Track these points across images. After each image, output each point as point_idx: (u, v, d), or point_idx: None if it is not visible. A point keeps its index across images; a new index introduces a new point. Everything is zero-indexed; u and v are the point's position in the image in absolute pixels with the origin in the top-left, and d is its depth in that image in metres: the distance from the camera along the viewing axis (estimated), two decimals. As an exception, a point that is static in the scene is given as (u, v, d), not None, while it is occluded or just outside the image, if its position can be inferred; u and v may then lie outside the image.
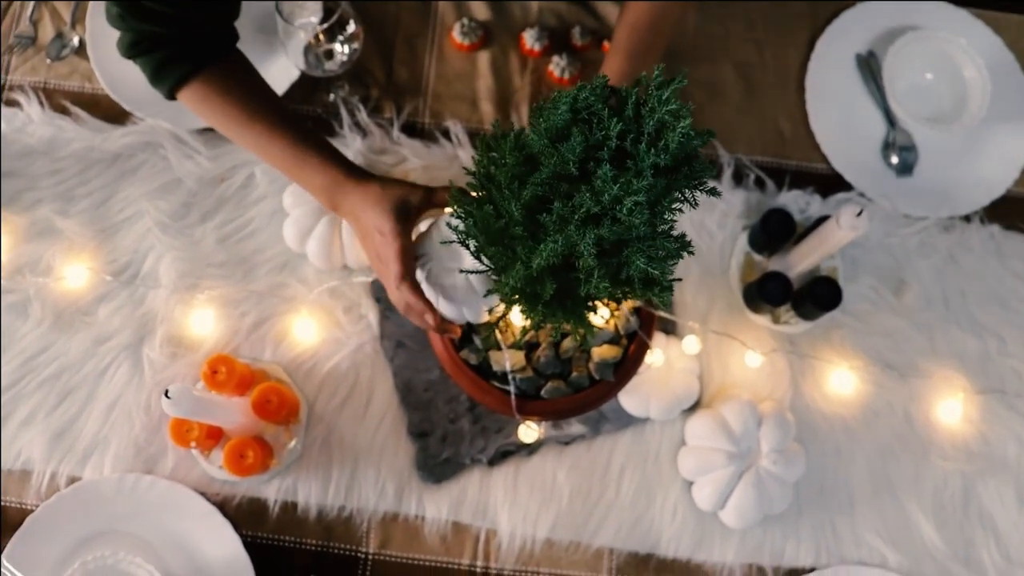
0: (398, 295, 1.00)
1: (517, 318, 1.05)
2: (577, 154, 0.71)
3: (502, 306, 0.95)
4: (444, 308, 0.97)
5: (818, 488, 1.27)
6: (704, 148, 1.36)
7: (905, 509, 1.27)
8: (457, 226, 0.82)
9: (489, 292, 0.85)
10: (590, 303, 0.82)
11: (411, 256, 0.98)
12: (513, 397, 1.07)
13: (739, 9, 1.47)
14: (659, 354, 1.20)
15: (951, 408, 1.29)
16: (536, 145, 0.74)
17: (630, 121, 0.71)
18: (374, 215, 1.01)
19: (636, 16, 1.15)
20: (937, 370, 1.32)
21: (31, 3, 1.42)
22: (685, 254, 0.76)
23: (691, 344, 1.26)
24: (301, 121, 1.12)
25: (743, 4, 1.47)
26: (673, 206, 0.73)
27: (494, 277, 0.82)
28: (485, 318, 0.97)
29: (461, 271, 0.90)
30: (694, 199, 0.75)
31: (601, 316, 1.07)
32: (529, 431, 1.20)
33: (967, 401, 1.30)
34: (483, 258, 0.81)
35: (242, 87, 1.11)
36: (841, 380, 1.29)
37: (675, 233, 0.75)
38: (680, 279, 0.83)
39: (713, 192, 0.76)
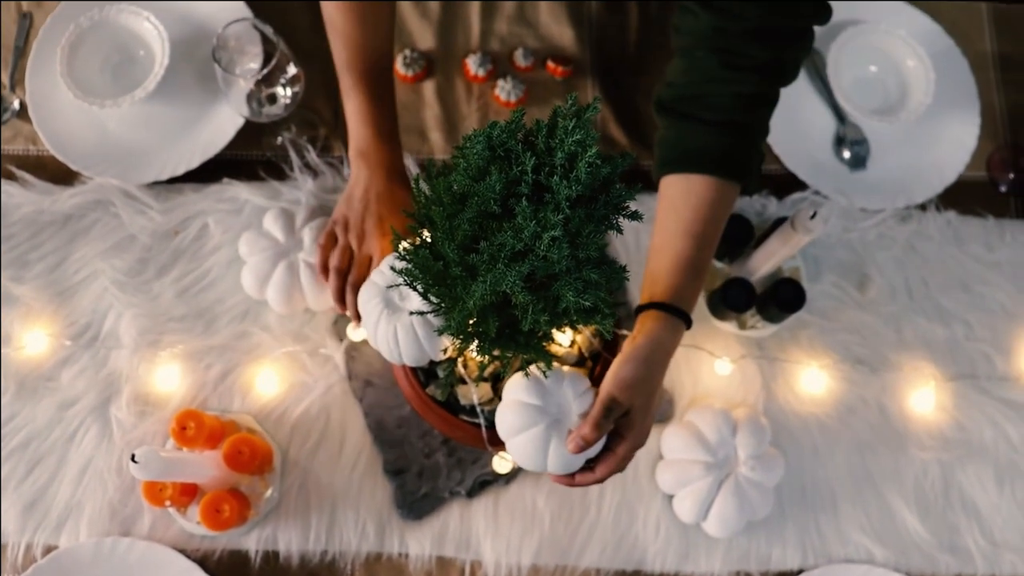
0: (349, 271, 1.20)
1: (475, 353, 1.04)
2: (498, 191, 0.70)
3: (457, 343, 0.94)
4: (404, 348, 0.96)
5: (799, 490, 1.27)
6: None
7: (887, 502, 1.27)
8: (402, 268, 0.81)
9: (439, 331, 0.85)
10: (540, 334, 0.82)
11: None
12: (484, 430, 1.06)
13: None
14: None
15: (924, 398, 1.30)
16: (460, 185, 0.73)
17: (543, 154, 0.71)
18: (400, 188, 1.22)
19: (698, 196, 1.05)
20: (907, 361, 1.32)
21: (-31, 70, 1.41)
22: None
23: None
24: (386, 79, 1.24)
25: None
26: (595, 235, 0.72)
27: (436, 319, 0.82)
28: (443, 355, 0.96)
29: (411, 312, 0.89)
30: (617, 225, 0.74)
31: (559, 343, 1.06)
32: (503, 462, 1.19)
33: (939, 389, 1.30)
34: (431, 298, 0.80)
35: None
36: (812, 380, 1.29)
37: (608, 260, 0.75)
38: (623, 303, 0.83)
39: (635, 216, 0.75)
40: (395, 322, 0.94)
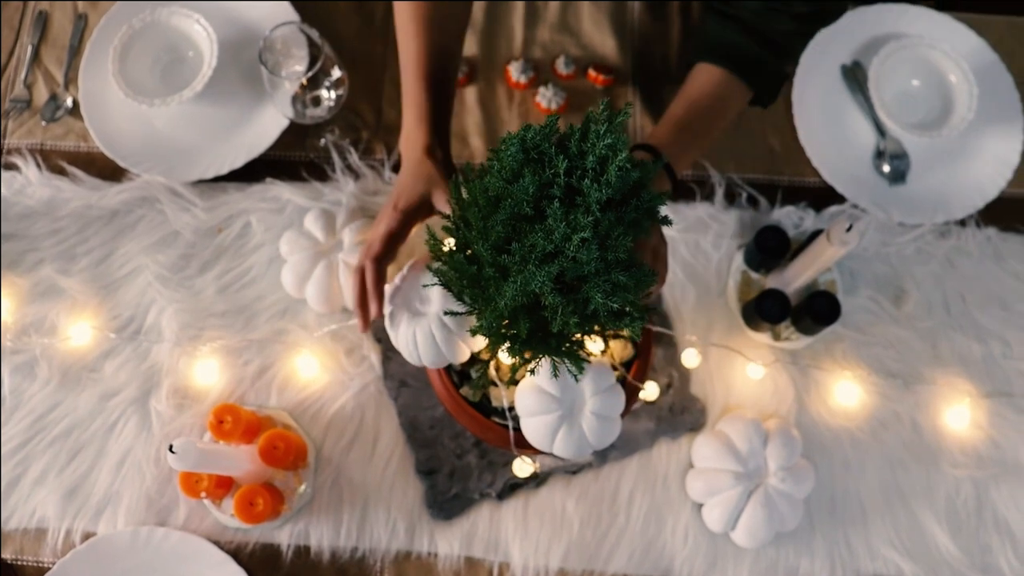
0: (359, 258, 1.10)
1: (506, 355, 1.05)
2: (531, 194, 0.72)
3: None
4: (423, 351, 0.97)
5: (829, 503, 1.26)
6: (694, 169, 1.39)
7: (918, 519, 1.26)
8: (438, 268, 0.83)
9: (473, 332, 0.86)
10: (573, 338, 0.83)
11: (394, 243, 1.09)
12: (511, 432, 1.07)
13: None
14: (652, 388, 1.20)
15: (959, 414, 1.29)
16: (494, 187, 0.75)
17: (576, 158, 0.72)
18: (407, 183, 1.11)
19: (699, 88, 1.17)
20: (942, 377, 1.31)
21: (25, 67, 1.45)
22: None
23: (691, 358, 1.26)
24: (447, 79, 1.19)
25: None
26: (624, 238, 0.73)
27: (456, 323, 0.83)
28: (464, 357, 0.97)
29: (446, 312, 0.91)
30: (647, 229, 0.75)
31: (588, 351, 1.07)
32: (524, 465, 1.20)
33: (974, 406, 1.29)
34: (465, 299, 0.82)
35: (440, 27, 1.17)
36: (846, 393, 1.29)
37: (637, 264, 0.75)
38: (654, 309, 0.83)
39: (665, 221, 0.76)
40: (415, 326, 0.95)
